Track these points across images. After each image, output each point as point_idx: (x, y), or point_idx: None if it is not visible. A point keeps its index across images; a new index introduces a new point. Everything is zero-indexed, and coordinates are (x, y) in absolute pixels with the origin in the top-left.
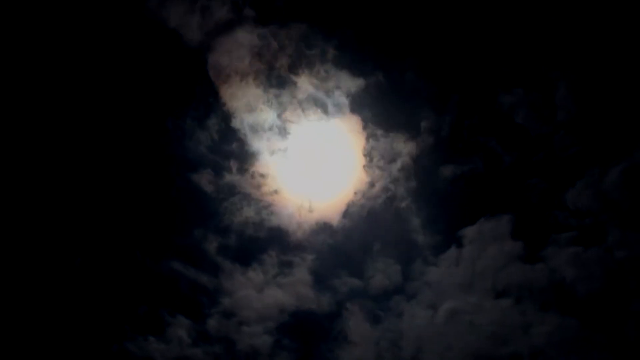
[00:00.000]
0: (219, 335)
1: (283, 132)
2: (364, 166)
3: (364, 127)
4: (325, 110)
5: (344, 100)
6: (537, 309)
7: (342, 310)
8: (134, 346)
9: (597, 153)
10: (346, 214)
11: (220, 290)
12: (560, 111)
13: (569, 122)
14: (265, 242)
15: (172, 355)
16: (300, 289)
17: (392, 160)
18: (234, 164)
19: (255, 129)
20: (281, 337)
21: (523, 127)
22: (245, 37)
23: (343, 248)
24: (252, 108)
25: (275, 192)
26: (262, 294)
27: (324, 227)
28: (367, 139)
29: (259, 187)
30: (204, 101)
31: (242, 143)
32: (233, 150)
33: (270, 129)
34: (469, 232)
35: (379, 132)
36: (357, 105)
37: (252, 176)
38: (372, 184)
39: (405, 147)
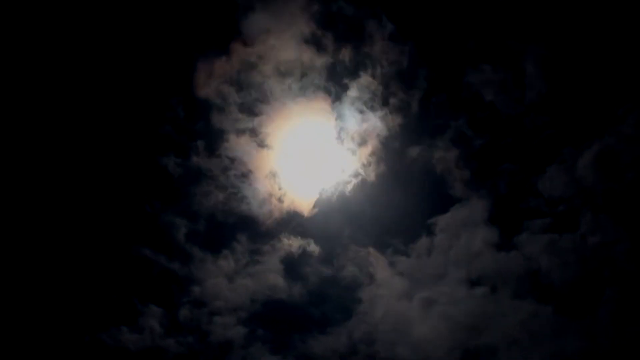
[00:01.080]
0: (192, 325)
1: (251, 112)
2: (335, 149)
3: (333, 107)
4: (294, 90)
5: (314, 79)
6: (511, 297)
7: (315, 300)
8: (107, 336)
9: (570, 135)
10: (317, 201)
11: (191, 279)
12: (529, 90)
13: (539, 103)
14: (236, 229)
15: (145, 346)
16: (272, 278)
17: (363, 142)
18: (201, 146)
19: (222, 109)
20: (255, 328)
21: (493, 106)
22: None
23: (314, 236)
24: (219, 87)
25: (243, 176)
26: (233, 283)
27: (294, 215)
28: (337, 119)
29: (227, 170)
30: (170, 81)
31: (209, 123)
32: (200, 132)
33: (239, 109)
34: (441, 220)
35: (349, 112)
36: (326, 84)
37: (220, 159)
38: (342, 169)
39: (375, 129)
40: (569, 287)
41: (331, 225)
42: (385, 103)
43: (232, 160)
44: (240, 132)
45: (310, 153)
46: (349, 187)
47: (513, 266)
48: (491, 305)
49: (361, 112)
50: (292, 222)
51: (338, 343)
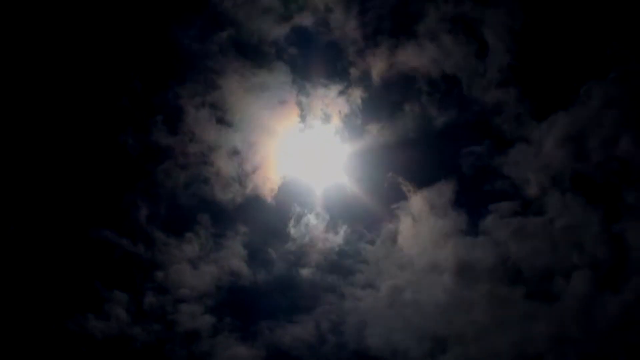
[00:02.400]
0: (158, 313)
1: (212, 85)
2: (298, 129)
3: (294, 81)
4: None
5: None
6: (480, 283)
7: (281, 287)
8: (73, 324)
9: (533, 112)
10: (282, 181)
11: (155, 263)
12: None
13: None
14: (198, 211)
15: (112, 333)
16: (236, 264)
17: (326, 120)
18: (160, 121)
19: (182, 82)
20: (222, 316)
21: (454, 80)
22: None
23: (277, 221)
24: (178, 58)
25: (204, 155)
26: (196, 268)
27: (257, 198)
28: (298, 95)
29: (187, 148)
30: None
31: (168, 99)
32: (160, 107)
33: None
34: (405, 205)
35: (310, 86)
36: (287, 56)
37: (181, 136)
38: (306, 150)
39: (336, 105)
40: (537, 271)
41: (295, 209)
42: (346, 77)
43: (192, 137)
44: (199, 106)
45: (274, 129)
46: (313, 169)
47: (481, 251)
48: (460, 291)
49: (325, 86)
50: (255, 206)
51: (306, 333)
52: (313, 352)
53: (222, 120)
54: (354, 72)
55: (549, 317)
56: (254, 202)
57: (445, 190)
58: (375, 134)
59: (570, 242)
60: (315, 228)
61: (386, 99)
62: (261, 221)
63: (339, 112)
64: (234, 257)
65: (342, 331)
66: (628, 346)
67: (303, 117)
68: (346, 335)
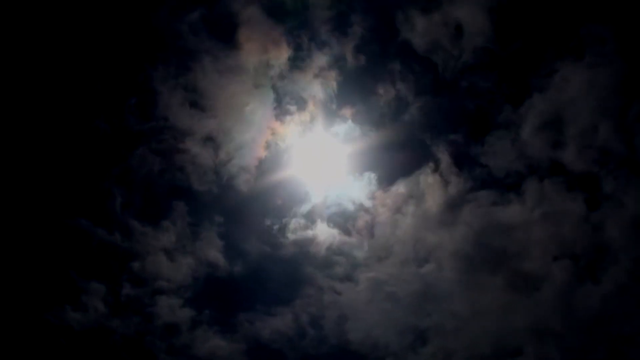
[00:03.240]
0: (137, 305)
1: (184, 67)
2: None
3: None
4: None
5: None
6: (460, 273)
7: (258, 279)
8: (52, 316)
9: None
10: (258, 170)
11: (131, 254)
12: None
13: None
14: (173, 201)
15: (90, 325)
16: (212, 255)
17: (302, 105)
18: (135, 106)
19: (154, 63)
20: (200, 308)
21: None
22: None
23: (254, 212)
24: (149, 38)
25: (177, 141)
26: (173, 259)
27: (233, 188)
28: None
29: (161, 134)
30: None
31: (140, 81)
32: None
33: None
34: (381, 196)
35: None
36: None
37: (155, 121)
38: (282, 138)
39: (312, 89)
40: (517, 262)
41: (271, 199)
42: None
43: (166, 122)
44: (172, 89)
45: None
46: (289, 156)
47: (459, 242)
48: (439, 283)
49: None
50: (231, 196)
51: (285, 326)
52: (292, 345)
53: (196, 105)
54: (328, 54)
55: (528, 308)
56: (229, 191)
57: (422, 179)
58: (350, 120)
59: (549, 231)
60: (292, 219)
61: (361, 82)
62: (237, 211)
63: (314, 96)
64: (210, 247)
65: (321, 325)
66: (608, 337)
67: (279, 102)
68: (325, 328)
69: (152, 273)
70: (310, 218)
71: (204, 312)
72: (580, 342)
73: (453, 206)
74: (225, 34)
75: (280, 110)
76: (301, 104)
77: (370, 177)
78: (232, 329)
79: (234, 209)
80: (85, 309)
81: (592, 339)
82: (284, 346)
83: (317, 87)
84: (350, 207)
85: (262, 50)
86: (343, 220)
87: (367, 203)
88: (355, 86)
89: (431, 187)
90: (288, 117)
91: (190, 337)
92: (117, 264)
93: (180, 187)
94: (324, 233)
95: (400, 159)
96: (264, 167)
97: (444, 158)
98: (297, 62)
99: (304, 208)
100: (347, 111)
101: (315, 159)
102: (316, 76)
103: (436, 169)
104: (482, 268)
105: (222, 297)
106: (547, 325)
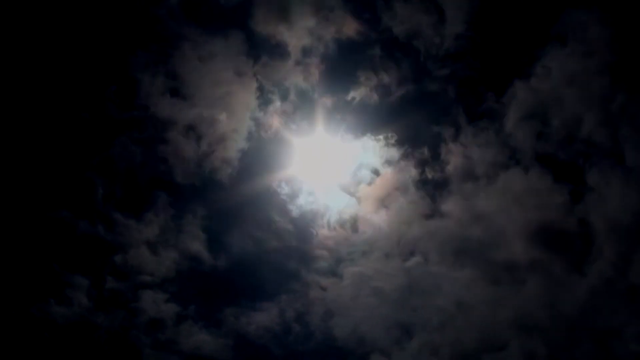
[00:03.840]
0: (121, 299)
1: (164, 53)
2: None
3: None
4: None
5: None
6: (445, 267)
7: (242, 272)
8: (37, 310)
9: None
10: (241, 163)
11: (115, 246)
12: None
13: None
14: (155, 193)
15: (75, 319)
16: (195, 248)
17: (284, 98)
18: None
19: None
20: (185, 303)
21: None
22: None
23: (236, 204)
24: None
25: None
26: (156, 252)
27: (216, 179)
28: (255, 66)
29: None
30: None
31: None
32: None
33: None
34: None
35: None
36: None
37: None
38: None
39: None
40: (502, 255)
41: (254, 190)
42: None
43: (147, 111)
44: (152, 76)
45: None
46: (273, 147)
47: (443, 235)
48: (425, 277)
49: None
50: (213, 188)
51: (271, 321)
52: (278, 341)
53: (177, 93)
54: (309, 40)
55: (514, 302)
56: (212, 184)
57: (405, 171)
58: (331, 108)
59: (534, 223)
60: (274, 211)
61: (342, 69)
62: (219, 204)
63: (295, 84)
64: (193, 240)
65: (307, 321)
66: (593, 331)
67: (261, 90)
68: (311, 325)
69: (135, 266)
70: (295, 211)
71: (189, 307)
72: (565, 336)
73: (436, 198)
74: (205, 20)
75: (263, 100)
76: (283, 92)
77: (355, 169)
78: (217, 324)
79: (217, 201)
80: (70, 302)
81: (577, 333)
82: (269, 342)
83: (298, 75)
84: (335, 200)
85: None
86: (327, 214)
87: (352, 196)
88: (337, 74)
89: (413, 179)
90: (270, 107)
91: (175, 332)
92: (101, 257)
93: (162, 178)
94: (306, 224)
95: (383, 150)
96: (246, 158)
97: (425, 150)
98: (278, 49)
99: (286, 200)
100: (328, 100)
101: (299, 151)
102: (297, 64)
103: (419, 161)
104: (467, 262)
105: (206, 291)
106: (533, 319)
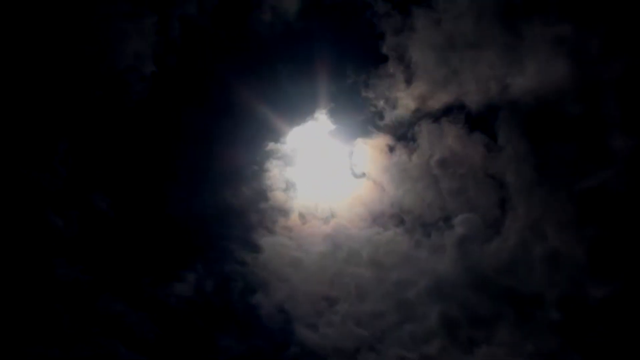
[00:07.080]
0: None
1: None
2: None
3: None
4: None
5: None
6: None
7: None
8: None
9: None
10: None
11: None
12: None
13: None
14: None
15: None
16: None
17: None
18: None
19: None
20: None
21: None
22: None
23: None
24: None
25: None
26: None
27: None
28: None
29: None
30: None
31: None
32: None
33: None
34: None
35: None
36: None
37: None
38: None
39: None
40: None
41: None
42: None
43: None
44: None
45: None
46: None
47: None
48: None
49: None
50: None
51: (190, 290)
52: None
53: None
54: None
55: (430, 266)
56: None
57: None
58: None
59: (450, 184)
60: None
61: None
62: None
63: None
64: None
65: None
66: (511, 293)
67: None
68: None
69: None
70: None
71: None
72: (482, 299)
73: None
74: None
75: None
76: None
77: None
78: (135, 294)
79: None
80: None
81: (495, 295)
82: (189, 312)
83: None
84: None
85: None
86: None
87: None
88: None
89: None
90: None
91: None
92: None
93: None
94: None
95: None
96: None
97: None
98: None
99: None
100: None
101: None
102: None
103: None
104: (387, 223)
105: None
106: (449, 283)
